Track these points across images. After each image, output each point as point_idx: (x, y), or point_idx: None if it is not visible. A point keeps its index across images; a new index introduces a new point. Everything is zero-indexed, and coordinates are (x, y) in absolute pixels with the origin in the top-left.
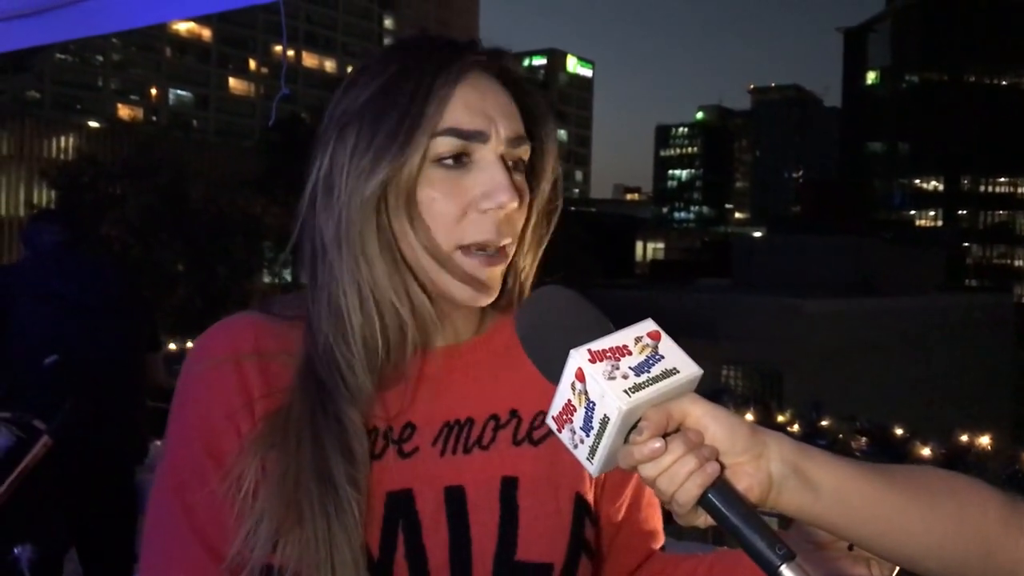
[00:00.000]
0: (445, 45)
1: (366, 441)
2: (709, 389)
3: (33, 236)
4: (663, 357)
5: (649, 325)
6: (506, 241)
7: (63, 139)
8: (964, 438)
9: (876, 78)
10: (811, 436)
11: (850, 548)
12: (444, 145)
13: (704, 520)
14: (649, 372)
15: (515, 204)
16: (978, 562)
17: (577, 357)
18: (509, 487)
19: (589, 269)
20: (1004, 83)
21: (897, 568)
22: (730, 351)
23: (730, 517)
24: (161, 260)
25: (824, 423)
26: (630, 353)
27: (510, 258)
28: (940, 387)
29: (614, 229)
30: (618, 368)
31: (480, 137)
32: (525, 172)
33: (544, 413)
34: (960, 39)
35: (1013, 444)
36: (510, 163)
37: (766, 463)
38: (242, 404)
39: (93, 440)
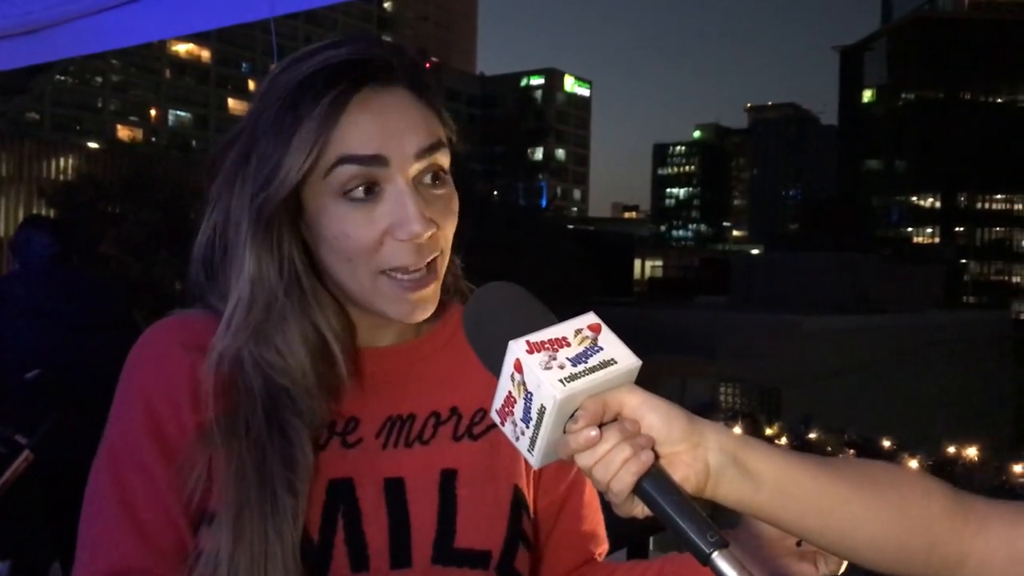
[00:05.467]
0: (335, 68)
1: (311, 452)
2: (698, 404)
3: (22, 245)
4: (602, 348)
5: (590, 318)
6: (432, 256)
7: (63, 160)
8: (951, 450)
9: (873, 96)
10: (800, 449)
11: (798, 544)
12: (344, 175)
13: (641, 510)
14: (586, 363)
15: (428, 233)
16: (922, 554)
17: (516, 348)
18: (448, 478)
19: (587, 287)
20: (1000, 100)
21: (844, 564)
22: (728, 368)
23: (664, 506)
24: (161, 278)
25: (812, 436)
26: (569, 344)
27: (442, 272)
28: (939, 404)
29: (612, 247)
30: (555, 359)
31: (379, 161)
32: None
33: (484, 411)
34: (956, 57)
35: (998, 456)
36: (428, 177)
37: (704, 452)
38: (189, 394)
39: (76, 455)
